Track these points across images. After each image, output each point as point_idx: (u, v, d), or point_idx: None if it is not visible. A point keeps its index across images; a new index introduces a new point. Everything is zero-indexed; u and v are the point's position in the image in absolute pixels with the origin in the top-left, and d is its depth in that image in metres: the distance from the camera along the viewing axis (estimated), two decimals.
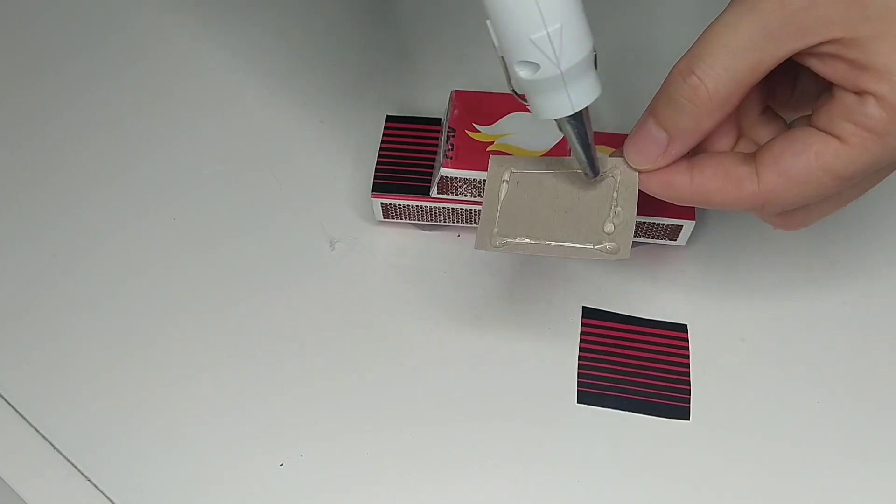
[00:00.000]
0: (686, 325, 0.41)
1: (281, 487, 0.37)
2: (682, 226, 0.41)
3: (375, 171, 0.43)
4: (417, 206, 0.42)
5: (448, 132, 0.41)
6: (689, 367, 0.40)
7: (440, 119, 0.44)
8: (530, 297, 0.42)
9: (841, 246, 0.43)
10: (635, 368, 0.40)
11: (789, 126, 0.34)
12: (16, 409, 0.39)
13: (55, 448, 0.38)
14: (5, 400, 0.40)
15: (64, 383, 0.40)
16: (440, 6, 0.53)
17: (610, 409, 0.39)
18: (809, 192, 0.31)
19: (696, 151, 0.34)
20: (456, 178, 0.40)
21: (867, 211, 0.44)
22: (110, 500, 0.37)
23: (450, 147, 0.40)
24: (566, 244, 0.35)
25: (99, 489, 0.37)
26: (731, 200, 0.32)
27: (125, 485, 0.37)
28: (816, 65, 0.30)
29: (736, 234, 0.44)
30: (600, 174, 0.34)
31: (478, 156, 0.40)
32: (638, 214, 0.40)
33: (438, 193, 0.41)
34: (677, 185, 0.33)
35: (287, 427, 0.39)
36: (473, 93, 0.42)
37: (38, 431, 0.39)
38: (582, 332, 0.41)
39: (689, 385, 0.40)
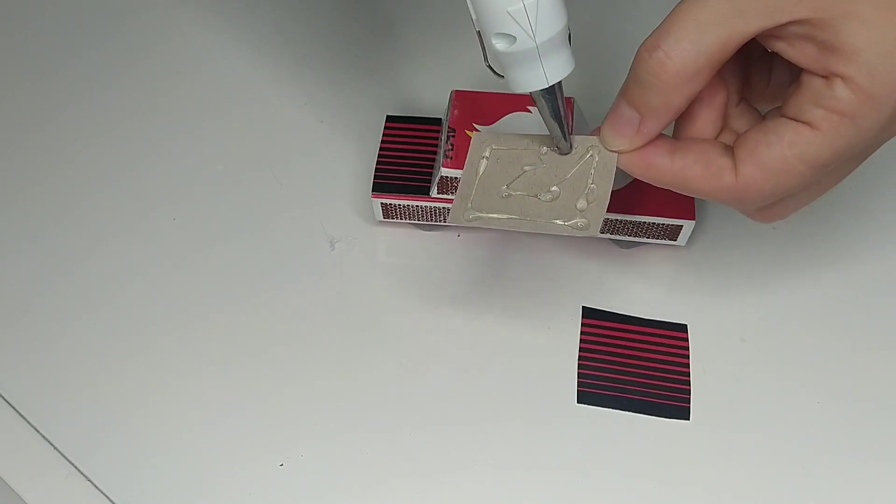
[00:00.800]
0: (686, 325, 0.41)
1: (281, 487, 0.37)
2: (682, 226, 0.41)
3: (375, 171, 0.43)
4: (417, 206, 0.42)
5: (448, 132, 0.41)
6: (689, 367, 0.40)
7: (440, 119, 0.44)
8: (530, 297, 0.42)
9: (841, 246, 0.43)
10: (635, 368, 0.40)
11: (763, 117, 0.34)
12: (16, 409, 0.39)
13: (55, 448, 0.38)
14: (5, 400, 0.40)
15: (64, 383, 0.40)
16: (440, 6, 0.53)
17: (610, 409, 0.39)
18: (786, 182, 0.31)
19: (680, 136, 0.34)
20: (456, 178, 0.40)
21: (867, 211, 0.44)
22: (110, 500, 0.37)
23: (450, 147, 0.40)
24: (538, 219, 0.35)
25: (99, 489, 0.37)
26: (709, 190, 0.32)
27: (125, 485, 0.37)
28: (785, 49, 0.30)
29: (736, 234, 0.44)
30: (577, 151, 0.35)
31: None
32: (638, 214, 0.41)
33: (438, 193, 0.41)
34: (657, 167, 0.33)
35: (287, 427, 0.39)
36: (473, 93, 0.42)
37: (38, 431, 0.39)
38: (582, 332, 0.41)
39: (689, 385, 0.39)
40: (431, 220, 0.43)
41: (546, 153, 0.36)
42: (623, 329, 0.41)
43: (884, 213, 0.44)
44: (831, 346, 0.41)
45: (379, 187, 0.42)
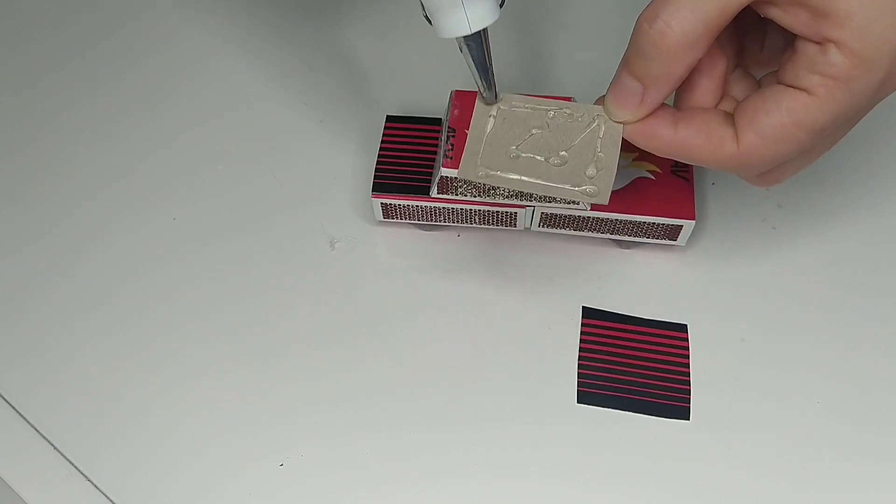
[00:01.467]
0: (686, 325, 0.41)
1: (281, 487, 0.37)
2: (682, 226, 0.41)
3: (375, 171, 0.43)
4: (417, 206, 0.42)
5: (448, 132, 0.41)
6: (689, 367, 0.40)
7: (440, 119, 0.44)
8: (530, 297, 0.42)
9: (841, 246, 0.43)
10: (635, 368, 0.40)
11: (759, 83, 0.34)
12: (16, 409, 0.39)
13: (55, 448, 0.38)
14: (5, 400, 0.40)
15: (64, 383, 0.40)
16: None
17: (610, 409, 0.39)
18: (785, 149, 0.32)
19: (682, 106, 0.34)
20: (456, 178, 0.40)
21: (867, 211, 0.44)
22: (110, 500, 0.37)
23: (450, 147, 0.40)
24: (548, 183, 0.35)
25: (99, 489, 0.37)
26: (712, 159, 0.33)
27: (125, 485, 0.37)
28: (779, 15, 0.30)
29: (736, 235, 0.44)
30: (584, 120, 0.35)
31: None
32: (638, 214, 0.41)
33: (438, 193, 0.41)
34: (660, 137, 0.34)
35: (287, 427, 0.39)
36: (473, 93, 0.42)
37: (38, 431, 0.39)
38: (582, 332, 0.41)
39: (689, 385, 0.39)
40: (431, 220, 0.43)
41: (553, 117, 0.36)
42: (623, 329, 0.41)
43: (884, 214, 0.44)
44: (831, 346, 0.41)
45: (379, 187, 0.42)
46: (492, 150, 0.36)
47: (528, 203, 0.40)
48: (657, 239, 0.42)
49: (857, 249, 0.43)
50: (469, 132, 0.36)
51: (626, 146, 0.42)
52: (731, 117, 0.33)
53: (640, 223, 0.41)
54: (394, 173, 0.42)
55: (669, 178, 0.42)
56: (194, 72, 0.50)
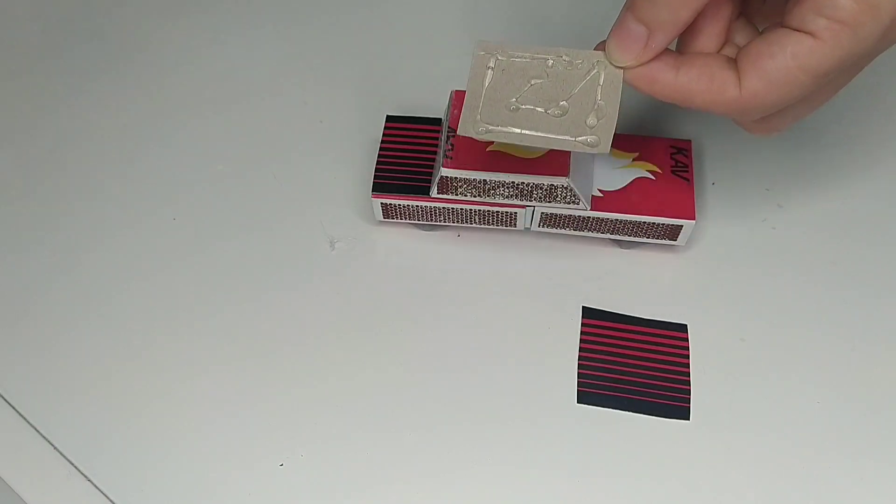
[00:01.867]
0: (686, 325, 0.41)
1: (281, 487, 0.37)
2: (682, 226, 0.41)
3: (375, 171, 0.43)
4: (417, 206, 0.42)
5: (448, 132, 0.41)
6: (689, 367, 0.40)
7: (440, 119, 0.44)
8: (530, 297, 0.42)
9: (841, 246, 0.43)
10: (635, 368, 0.40)
11: (761, 32, 0.34)
12: (16, 409, 0.39)
13: (55, 448, 0.38)
14: (5, 400, 0.40)
15: (64, 383, 0.40)
16: (439, 6, 0.53)
17: (610, 409, 0.39)
18: (789, 93, 0.32)
19: (684, 51, 0.34)
20: (456, 178, 0.40)
21: (867, 211, 0.44)
22: (110, 500, 0.37)
23: (450, 147, 0.40)
24: (548, 135, 0.35)
25: (99, 489, 0.37)
26: (713, 104, 0.33)
27: (125, 485, 0.37)
28: None
29: (736, 235, 0.44)
30: (583, 66, 0.35)
31: (478, 156, 0.40)
32: (638, 214, 0.41)
33: (438, 193, 0.41)
34: (662, 81, 0.34)
35: (287, 427, 0.39)
36: None
37: (38, 431, 0.39)
38: (582, 332, 0.41)
39: (689, 385, 0.39)
40: (431, 220, 0.43)
41: (552, 66, 0.36)
42: (623, 329, 0.41)
43: (884, 214, 0.44)
44: (831, 346, 0.41)
45: (379, 187, 0.42)
46: (491, 105, 0.35)
47: (528, 203, 0.40)
48: (657, 239, 0.42)
49: (857, 249, 0.43)
50: (467, 87, 0.36)
51: (624, 147, 0.43)
52: (733, 62, 0.33)
53: (640, 223, 0.41)
54: (394, 173, 0.42)
55: (669, 178, 0.42)
56: (195, 71, 0.50)
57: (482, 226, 0.43)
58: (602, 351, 0.40)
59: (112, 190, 0.46)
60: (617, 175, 0.42)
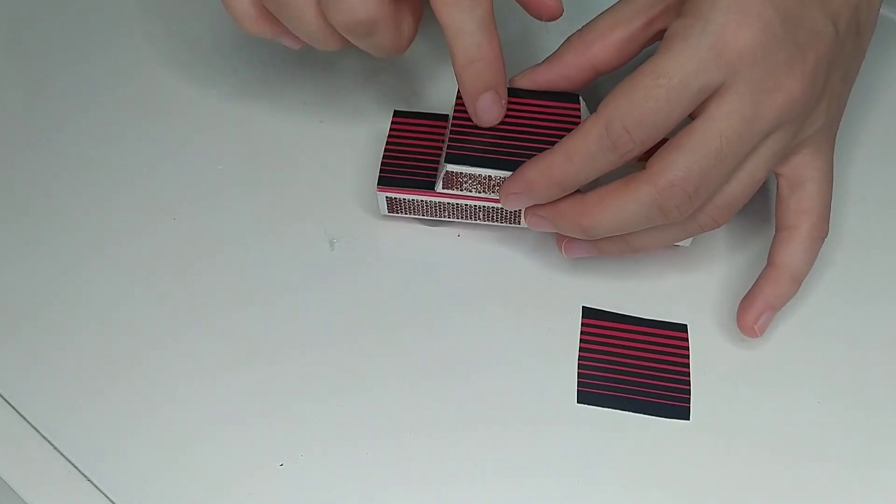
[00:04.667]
0: (686, 325, 0.41)
1: (281, 487, 0.37)
2: None
3: (381, 165, 0.43)
4: (422, 200, 0.42)
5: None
6: (689, 367, 0.40)
7: (447, 115, 0.44)
8: (530, 297, 0.42)
9: (840, 246, 0.43)
10: (635, 368, 0.40)
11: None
12: (16, 409, 0.39)
13: (55, 448, 0.38)
14: (5, 400, 0.40)
15: (64, 384, 0.40)
16: None
17: (610, 409, 0.39)
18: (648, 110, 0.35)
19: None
20: (461, 173, 0.40)
21: (867, 212, 0.44)
22: (110, 500, 0.37)
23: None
24: None
25: (99, 489, 0.37)
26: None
27: (125, 485, 0.37)
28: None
29: (736, 235, 0.44)
30: None
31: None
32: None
33: (444, 188, 0.41)
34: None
35: (287, 427, 0.39)
36: None
37: (38, 431, 0.39)
38: (582, 332, 0.41)
39: (689, 385, 0.39)
40: (436, 215, 0.43)
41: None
42: (623, 329, 0.41)
43: (884, 213, 0.44)
44: (831, 346, 0.41)
45: (385, 181, 0.42)
46: None
47: None
48: None
49: (857, 249, 0.43)
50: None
51: None
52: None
53: None
54: (400, 167, 0.42)
55: None
56: (194, 71, 0.50)
57: (486, 222, 0.43)
58: (602, 351, 0.40)
59: (112, 190, 0.46)
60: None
